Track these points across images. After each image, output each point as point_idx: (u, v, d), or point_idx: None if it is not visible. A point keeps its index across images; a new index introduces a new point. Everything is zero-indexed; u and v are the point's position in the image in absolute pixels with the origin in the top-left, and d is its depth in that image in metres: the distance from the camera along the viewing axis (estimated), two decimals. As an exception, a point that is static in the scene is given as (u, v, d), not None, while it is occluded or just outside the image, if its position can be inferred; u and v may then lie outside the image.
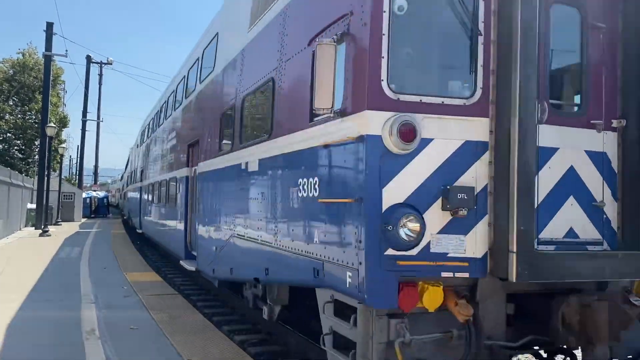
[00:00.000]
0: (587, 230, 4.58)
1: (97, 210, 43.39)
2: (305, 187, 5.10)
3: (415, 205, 4.12)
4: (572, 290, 4.56)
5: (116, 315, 8.16)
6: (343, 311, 4.74)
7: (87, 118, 47.93)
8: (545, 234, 4.41)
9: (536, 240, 4.22)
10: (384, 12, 4.14)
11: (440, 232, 4.18)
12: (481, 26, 4.31)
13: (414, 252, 4.11)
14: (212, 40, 10.31)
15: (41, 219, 25.82)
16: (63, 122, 45.15)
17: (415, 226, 4.03)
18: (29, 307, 8.58)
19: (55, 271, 12.66)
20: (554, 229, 4.45)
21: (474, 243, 4.22)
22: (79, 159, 51.38)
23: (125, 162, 39.93)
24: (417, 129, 4.09)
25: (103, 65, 51.09)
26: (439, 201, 4.17)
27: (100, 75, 52.42)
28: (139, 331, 7.27)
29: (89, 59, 48.10)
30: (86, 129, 48.57)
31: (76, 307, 8.63)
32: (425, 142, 4.16)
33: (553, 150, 4.48)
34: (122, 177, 44.25)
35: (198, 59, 11.59)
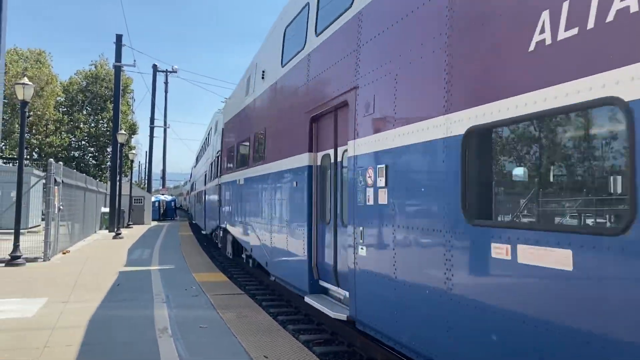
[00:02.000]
0: None
1: (166, 213, 45.00)
2: None
3: None
4: None
5: (186, 314, 8.44)
6: None
7: (155, 125, 49.87)
8: None
9: None
10: None
11: None
12: None
13: None
14: None
15: (114, 222, 27.11)
16: (132, 129, 47.34)
17: None
18: (106, 306, 9.03)
19: (128, 272, 13.25)
20: None
21: None
22: (147, 164, 53.48)
23: (193, 163, 41.72)
24: None
25: (168, 73, 53.00)
26: None
27: (166, 83, 54.49)
28: (208, 329, 7.49)
29: (155, 68, 50.02)
30: (154, 135, 50.57)
31: (149, 306, 9.00)
32: None
33: None
34: (190, 180, 45.82)
35: None
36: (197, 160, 35.94)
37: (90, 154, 47.60)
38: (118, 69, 32.00)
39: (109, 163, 41.03)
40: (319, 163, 8.31)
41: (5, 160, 37.24)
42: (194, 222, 37.44)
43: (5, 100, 29.00)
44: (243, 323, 7.87)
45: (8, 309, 8.51)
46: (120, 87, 33.04)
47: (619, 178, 3.44)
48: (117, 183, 28.65)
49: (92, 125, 46.91)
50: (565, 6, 3.56)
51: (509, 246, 3.90)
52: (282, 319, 9.40)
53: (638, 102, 3.07)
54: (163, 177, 62.44)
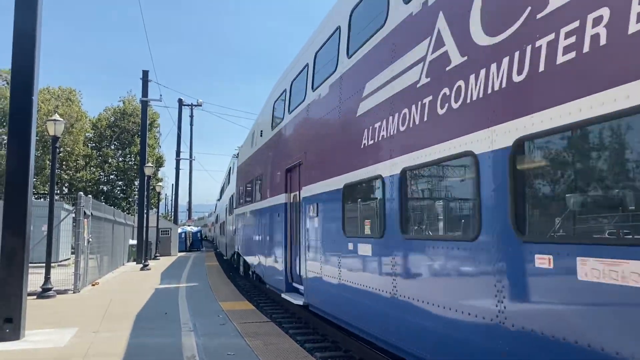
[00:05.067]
0: None
1: (192, 244, 45.35)
2: None
3: None
4: None
5: (214, 342, 8.48)
6: None
7: (181, 157, 50.74)
8: None
9: None
10: None
11: None
12: None
13: None
14: None
15: (142, 254, 27.43)
16: (159, 162, 48.23)
17: None
18: (135, 335, 9.12)
19: (156, 302, 13.38)
20: None
21: None
22: (174, 195, 54.25)
23: (217, 196, 42.43)
24: None
25: (194, 107, 54.12)
26: None
27: (192, 116, 55.57)
28: (235, 357, 7.51)
29: (180, 102, 51.16)
30: (180, 167, 51.39)
31: (177, 335, 9.07)
32: None
33: None
34: (214, 212, 46.32)
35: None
36: (221, 194, 39.05)
37: (118, 188, 48.54)
38: (145, 104, 32.82)
39: (136, 196, 41.78)
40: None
41: (37, 196, 38.20)
42: (217, 250, 40.14)
43: (37, 138, 29.97)
44: (270, 350, 7.86)
45: (41, 339, 8.67)
46: (147, 122, 33.79)
47: None
48: (145, 215, 29.07)
49: (120, 159, 47.97)
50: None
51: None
52: (309, 347, 9.36)
53: None
54: (189, 209, 63.14)
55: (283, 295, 11.63)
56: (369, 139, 6.97)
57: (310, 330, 11.03)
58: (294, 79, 11.65)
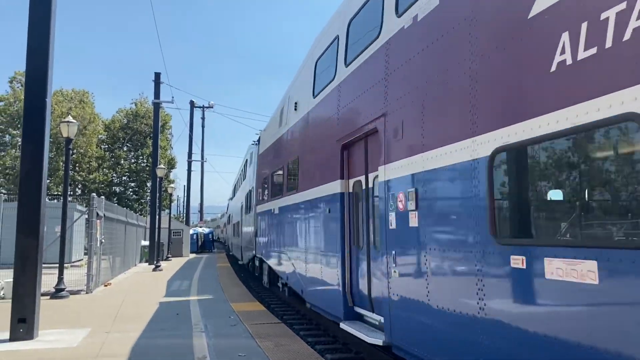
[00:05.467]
0: None
1: (204, 245, 45.53)
2: None
3: None
4: None
5: (225, 343, 8.50)
6: None
7: (192, 159, 50.99)
8: None
9: None
10: None
11: None
12: None
13: None
14: None
15: (154, 254, 27.60)
16: (171, 164, 48.58)
17: None
18: (146, 335, 9.17)
19: (168, 302, 13.44)
20: None
21: None
22: (185, 197, 54.51)
23: (230, 195, 41.82)
24: None
25: (205, 109, 54.39)
26: None
27: (203, 118, 55.82)
28: (246, 358, 7.52)
29: (192, 104, 51.40)
30: (191, 169, 51.65)
31: (188, 336, 9.10)
32: None
33: None
34: (226, 212, 46.32)
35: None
36: (234, 192, 36.20)
37: (131, 189, 48.96)
38: (157, 106, 33.03)
39: (148, 197, 42.06)
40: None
41: (50, 197, 38.66)
42: (230, 253, 37.59)
43: (50, 140, 30.36)
44: (281, 351, 7.87)
45: (54, 339, 8.75)
46: (159, 124, 34.02)
47: None
48: (157, 216, 29.24)
49: (133, 161, 48.43)
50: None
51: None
52: (319, 348, 9.35)
53: None
54: (201, 210, 63.42)
55: (343, 326, 8.08)
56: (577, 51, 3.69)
57: (321, 332, 11.02)
58: (354, 17, 8.34)
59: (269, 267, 15.69)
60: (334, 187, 8.77)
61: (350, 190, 8.40)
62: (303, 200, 10.89)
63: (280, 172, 13.68)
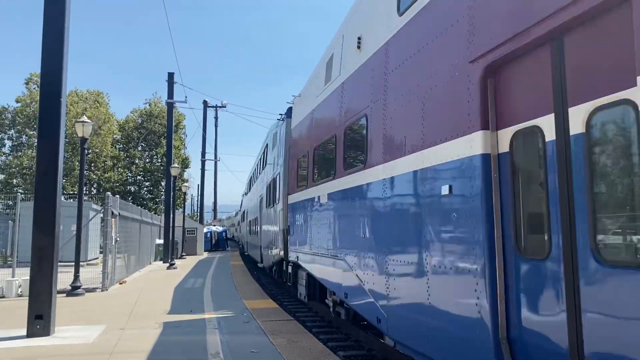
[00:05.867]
0: None
1: (217, 243, 45.77)
2: None
3: None
4: None
5: (238, 340, 8.57)
6: None
7: (206, 158, 51.26)
8: None
9: None
10: None
11: None
12: None
13: None
14: None
15: (168, 253, 27.83)
16: (185, 163, 48.90)
17: None
18: (161, 332, 9.27)
19: (182, 300, 13.56)
20: None
21: None
22: (199, 196, 54.85)
23: (244, 190, 40.21)
24: None
25: (218, 108, 54.64)
26: None
27: (216, 117, 56.21)
28: (259, 354, 7.57)
29: (205, 104, 51.68)
30: (205, 168, 51.96)
31: (202, 332, 9.19)
32: None
33: None
34: (240, 209, 46.39)
35: None
36: (249, 186, 32.69)
37: (145, 188, 49.40)
38: (170, 106, 33.26)
39: (163, 196, 42.39)
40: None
41: (66, 196, 39.14)
42: (246, 253, 35.43)
43: (66, 140, 30.79)
44: (294, 348, 7.91)
45: (70, 335, 8.88)
46: (173, 123, 34.25)
47: None
48: (171, 215, 29.47)
49: (147, 160, 48.86)
50: None
51: None
52: (332, 345, 9.38)
53: None
54: (214, 209, 63.78)
55: None
56: None
57: (333, 329, 11.05)
58: None
59: (309, 276, 11.71)
60: (463, 146, 4.95)
61: (504, 150, 4.64)
62: (381, 178, 6.92)
63: (332, 144, 9.66)
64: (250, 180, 32.40)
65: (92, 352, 7.79)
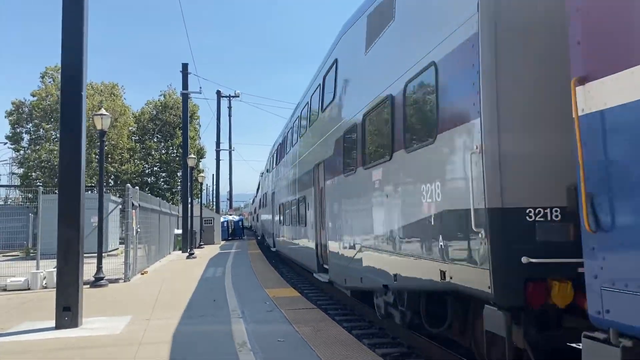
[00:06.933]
0: None
1: (234, 232, 46.06)
2: None
3: None
4: None
5: (263, 329, 8.61)
6: None
7: (220, 148, 51.42)
8: None
9: None
10: None
11: None
12: None
13: None
14: None
15: (187, 242, 28.06)
16: (200, 154, 49.08)
17: None
18: (186, 322, 9.35)
19: (204, 289, 13.67)
20: None
21: None
22: (215, 185, 55.11)
23: (263, 169, 36.41)
24: None
25: (232, 98, 54.65)
26: None
27: (230, 107, 56.12)
28: (285, 343, 7.60)
29: (219, 94, 51.73)
30: (220, 158, 52.15)
31: (226, 322, 9.25)
32: None
33: None
34: (257, 195, 46.36)
35: None
36: (273, 162, 26.22)
37: (162, 179, 49.74)
38: (185, 97, 33.33)
39: (179, 187, 42.68)
40: None
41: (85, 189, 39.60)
42: (265, 243, 32.60)
43: (84, 132, 30.97)
44: (319, 336, 7.93)
45: (98, 327, 9.00)
46: (188, 114, 34.34)
47: None
48: (189, 205, 29.67)
49: (163, 151, 49.12)
50: None
51: None
52: (356, 333, 9.39)
53: None
54: (230, 198, 64.09)
55: None
56: None
57: (356, 317, 11.07)
58: None
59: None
60: None
61: None
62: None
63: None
64: (273, 156, 25.25)
65: (121, 342, 7.88)
